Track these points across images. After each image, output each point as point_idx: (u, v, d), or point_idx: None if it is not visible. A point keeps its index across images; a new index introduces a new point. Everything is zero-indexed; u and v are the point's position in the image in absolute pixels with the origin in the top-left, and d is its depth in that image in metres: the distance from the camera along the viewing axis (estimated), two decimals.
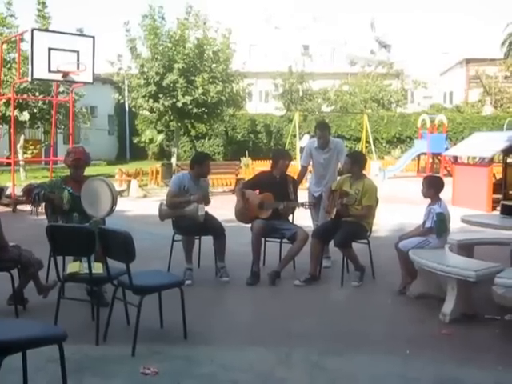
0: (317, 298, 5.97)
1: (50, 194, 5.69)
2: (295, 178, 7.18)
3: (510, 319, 5.07)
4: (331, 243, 6.55)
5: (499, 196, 12.17)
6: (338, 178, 6.99)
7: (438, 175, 6.43)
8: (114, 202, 5.39)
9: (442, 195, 5.95)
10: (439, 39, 44.38)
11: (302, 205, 6.67)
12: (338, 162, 7.25)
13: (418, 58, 36.27)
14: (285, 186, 6.70)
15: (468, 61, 37.99)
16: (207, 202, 6.65)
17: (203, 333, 4.81)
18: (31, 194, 5.69)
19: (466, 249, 6.34)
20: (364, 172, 6.73)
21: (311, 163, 7.46)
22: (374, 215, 6.64)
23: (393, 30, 45.39)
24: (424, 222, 5.91)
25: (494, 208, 11.88)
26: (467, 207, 10.57)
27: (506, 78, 34.54)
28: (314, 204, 6.80)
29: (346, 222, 6.39)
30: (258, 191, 6.79)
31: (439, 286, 5.60)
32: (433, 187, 5.90)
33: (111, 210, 5.43)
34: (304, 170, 7.69)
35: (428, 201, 5.96)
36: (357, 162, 6.58)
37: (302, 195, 7.15)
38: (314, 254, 6.47)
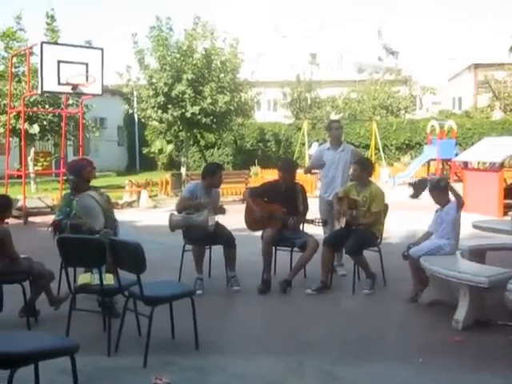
0: (328, 307, 5.95)
1: (77, 222, 5.54)
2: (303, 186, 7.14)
3: None
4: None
5: (510, 201, 12.10)
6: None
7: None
8: (106, 215, 5.40)
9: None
10: (447, 45, 44.40)
11: (312, 222, 6.58)
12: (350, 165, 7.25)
13: (425, 64, 36.22)
14: (293, 197, 6.63)
15: (476, 66, 37.84)
16: (219, 212, 6.66)
17: (215, 342, 4.80)
18: (60, 229, 5.62)
19: (478, 255, 6.30)
20: (371, 178, 6.71)
21: (323, 171, 7.43)
22: (383, 223, 6.61)
23: (400, 37, 45.43)
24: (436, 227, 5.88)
25: (505, 213, 11.80)
26: (478, 213, 10.50)
27: None
28: (325, 222, 6.73)
29: (357, 230, 6.38)
30: (265, 199, 6.78)
31: (451, 293, 5.56)
32: (447, 190, 5.90)
33: (108, 222, 5.44)
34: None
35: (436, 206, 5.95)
36: (366, 169, 6.57)
37: (313, 203, 7.13)
38: (325, 263, 6.46)
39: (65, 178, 11.48)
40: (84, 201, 5.51)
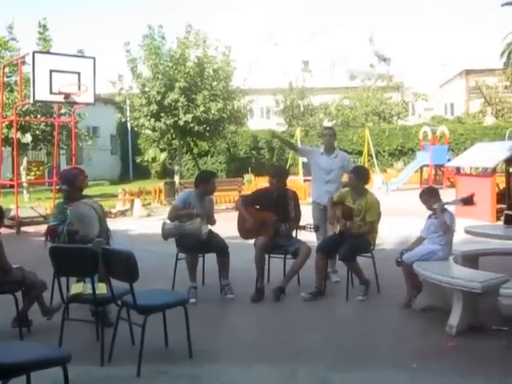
0: (322, 313, 5.94)
1: (73, 228, 5.50)
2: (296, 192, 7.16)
3: None
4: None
5: (503, 206, 12.13)
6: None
7: (428, 186, 6.51)
8: (101, 223, 5.40)
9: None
10: (438, 51, 44.64)
11: (304, 228, 6.58)
12: (343, 172, 7.27)
13: (417, 71, 36.43)
14: (284, 204, 6.63)
15: (468, 72, 38.09)
16: (212, 222, 6.66)
17: (209, 351, 4.78)
18: (56, 235, 5.58)
19: (471, 260, 6.32)
20: (366, 186, 6.72)
21: (313, 172, 7.46)
22: (377, 231, 6.62)
23: (391, 43, 45.75)
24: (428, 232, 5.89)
25: (498, 218, 11.83)
26: (471, 218, 10.53)
27: (506, 87, 34.59)
28: (317, 227, 6.75)
29: (350, 236, 6.38)
30: (258, 207, 6.79)
31: (445, 298, 5.57)
32: (437, 195, 5.93)
33: (102, 231, 5.43)
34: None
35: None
36: (362, 177, 6.58)
37: (306, 210, 7.13)
38: (318, 269, 6.47)
39: (58, 187, 11.46)
40: (79, 208, 5.50)
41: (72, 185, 5.77)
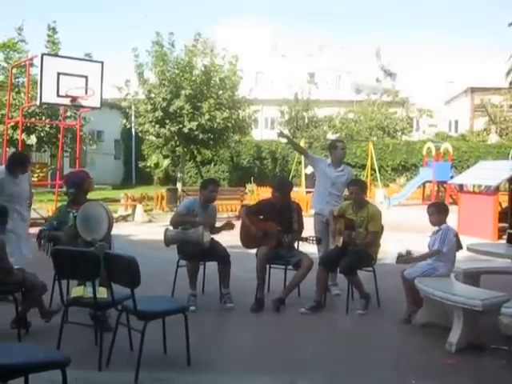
0: (321, 326, 5.92)
1: (56, 234, 5.62)
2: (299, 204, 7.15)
3: None
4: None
5: (505, 225, 12.09)
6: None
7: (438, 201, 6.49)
8: (110, 225, 5.42)
9: (448, 223, 5.95)
10: (444, 68, 44.80)
11: (307, 239, 6.58)
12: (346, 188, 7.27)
13: (423, 87, 36.55)
14: (287, 215, 6.62)
15: (473, 90, 38.18)
16: (231, 227, 6.69)
17: (207, 360, 4.76)
18: (40, 238, 5.66)
19: (472, 278, 6.30)
20: (366, 198, 6.73)
21: (317, 182, 7.45)
22: (380, 244, 6.61)
23: (398, 59, 45.92)
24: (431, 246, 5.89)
25: (500, 237, 11.81)
26: (473, 236, 10.52)
27: (511, 106, 34.65)
28: (319, 240, 6.74)
29: (352, 250, 6.37)
30: (261, 217, 6.78)
31: (445, 315, 5.54)
32: (443, 212, 5.92)
33: (108, 233, 5.44)
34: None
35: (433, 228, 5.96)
36: (364, 189, 6.61)
37: (309, 222, 7.12)
38: (319, 282, 6.44)
39: (61, 189, 11.47)
40: (90, 208, 5.49)
41: (80, 188, 5.85)
